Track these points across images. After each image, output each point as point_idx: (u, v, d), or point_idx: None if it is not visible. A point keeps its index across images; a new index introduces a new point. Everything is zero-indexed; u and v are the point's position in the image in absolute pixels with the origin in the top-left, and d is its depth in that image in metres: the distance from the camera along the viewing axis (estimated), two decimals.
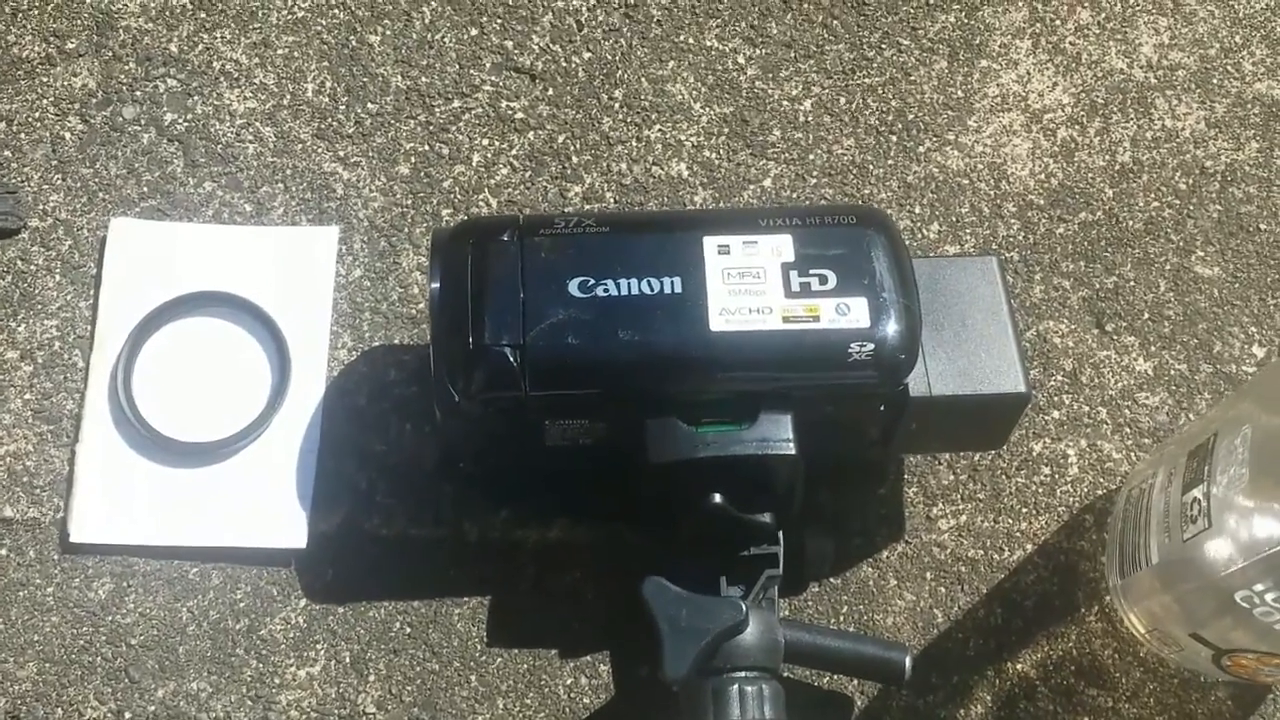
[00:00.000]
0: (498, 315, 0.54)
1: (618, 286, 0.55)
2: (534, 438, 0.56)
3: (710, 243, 0.56)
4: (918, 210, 0.69)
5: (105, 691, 0.59)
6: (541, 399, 0.54)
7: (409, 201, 0.67)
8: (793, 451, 0.54)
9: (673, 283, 0.55)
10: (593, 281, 0.55)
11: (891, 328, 0.54)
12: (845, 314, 0.54)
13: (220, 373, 0.64)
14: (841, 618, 0.62)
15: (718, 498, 0.55)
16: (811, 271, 0.55)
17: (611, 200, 0.68)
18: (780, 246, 0.56)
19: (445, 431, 0.59)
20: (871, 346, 0.54)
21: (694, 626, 0.53)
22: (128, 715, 0.59)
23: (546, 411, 0.55)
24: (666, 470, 0.54)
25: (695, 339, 0.54)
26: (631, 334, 0.54)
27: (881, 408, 0.56)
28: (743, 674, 0.53)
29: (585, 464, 0.58)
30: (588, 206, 0.68)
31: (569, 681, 0.60)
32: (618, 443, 0.56)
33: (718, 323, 0.54)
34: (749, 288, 0.55)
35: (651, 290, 0.55)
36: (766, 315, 0.54)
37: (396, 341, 0.65)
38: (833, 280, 0.55)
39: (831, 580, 0.62)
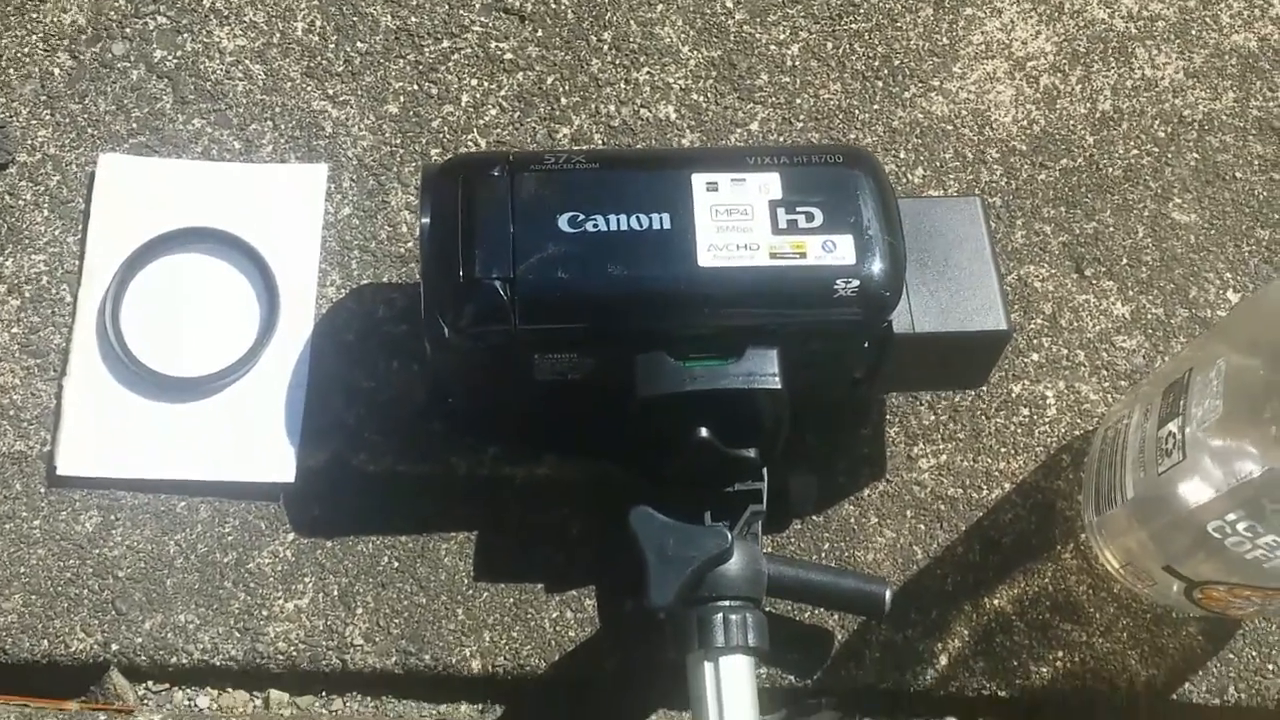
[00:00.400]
0: (488, 249, 0.54)
1: (607, 222, 0.55)
2: (523, 372, 0.57)
3: (699, 180, 0.56)
4: (902, 155, 0.69)
5: (92, 623, 0.60)
6: (531, 333, 0.55)
7: (398, 140, 0.68)
8: (778, 385, 0.55)
9: (661, 219, 0.55)
10: (582, 217, 0.55)
11: (876, 265, 0.55)
12: (831, 251, 0.55)
13: (209, 308, 0.64)
14: (823, 554, 0.63)
15: (704, 432, 0.56)
16: (798, 209, 0.56)
17: (599, 142, 0.68)
18: (768, 184, 0.56)
19: (434, 366, 0.59)
20: (857, 283, 0.55)
21: (680, 555, 0.54)
22: (115, 647, 0.60)
23: (536, 345, 0.55)
24: (654, 404, 0.55)
25: (683, 274, 0.54)
26: (620, 269, 0.54)
27: (866, 344, 0.57)
28: (727, 603, 0.54)
29: (574, 399, 0.58)
30: (576, 148, 0.68)
31: (554, 615, 0.61)
32: (606, 377, 0.56)
33: (706, 258, 0.55)
34: (737, 224, 0.55)
35: (640, 226, 0.55)
36: (754, 251, 0.55)
37: (385, 280, 0.65)
38: (819, 218, 0.56)
39: (814, 518, 0.63)
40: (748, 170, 0.57)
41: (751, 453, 0.57)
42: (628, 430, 0.58)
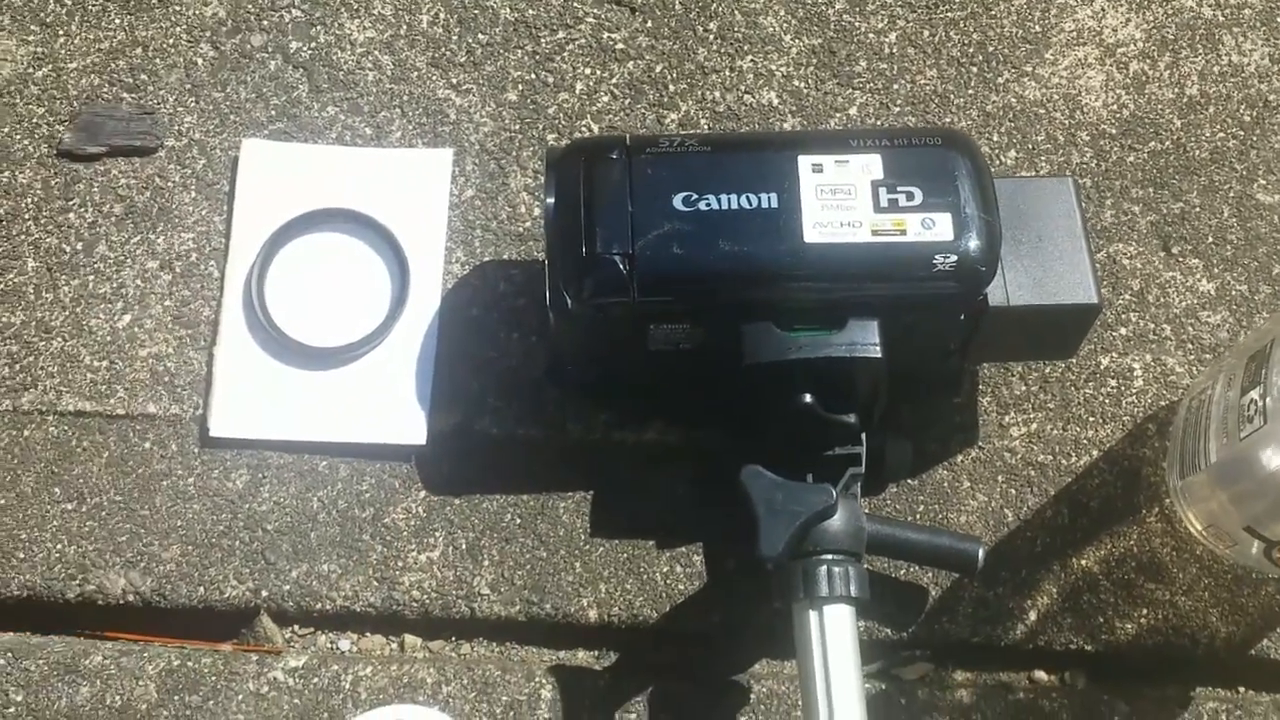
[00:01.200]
0: (609, 227, 0.59)
1: (719, 201, 0.59)
2: (638, 342, 0.61)
3: (804, 161, 0.60)
4: (996, 138, 0.73)
5: (244, 572, 0.65)
6: (648, 304, 0.59)
7: (516, 126, 0.72)
8: (879, 354, 0.59)
9: (769, 198, 0.59)
10: (695, 196, 0.59)
11: (973, 241, 0.58)
12: (930, 228, 0.59)
13: (345, 283, 0.69)
14: (917, 516, 0.66)
15: (807, 398, 0.60)
16: (899, 188, 0.59)
17: (706, 127, 0.72)
18: (870, 165, 0.60)
19: (556, 336, 0.64)
20: (954, 258, 0.58)
21: (787, 509, 0.58)
22: (264, 594, 0.65)
23: (651, 317, 0.60)
24: (760, 371, 0.59)
25: (790, 250, 0.58)
26: (731, 245, 0.58)
27: (962, 317, 0.61)
28: (830, 556, 0.58)
29: (684, 367, 0.62)
30: (683, 133, 0.72)
31: (665, 569, 0.66)
32: (715, 346, 0.60)
33: (811, 235, 0.58)
34: (840, 203, 0.59)
35: (750, 205, 0.59)
36: (857, 228, 0.59)
37: (506, 257, 0.70)
38: (919, 196, 0.59)
39: (909, 481, 0.67)
40: (850, 152, 0.60)
41: (851, 418, 0.61)
42: (734, 397, 0.62)
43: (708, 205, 0.59)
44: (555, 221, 0.60)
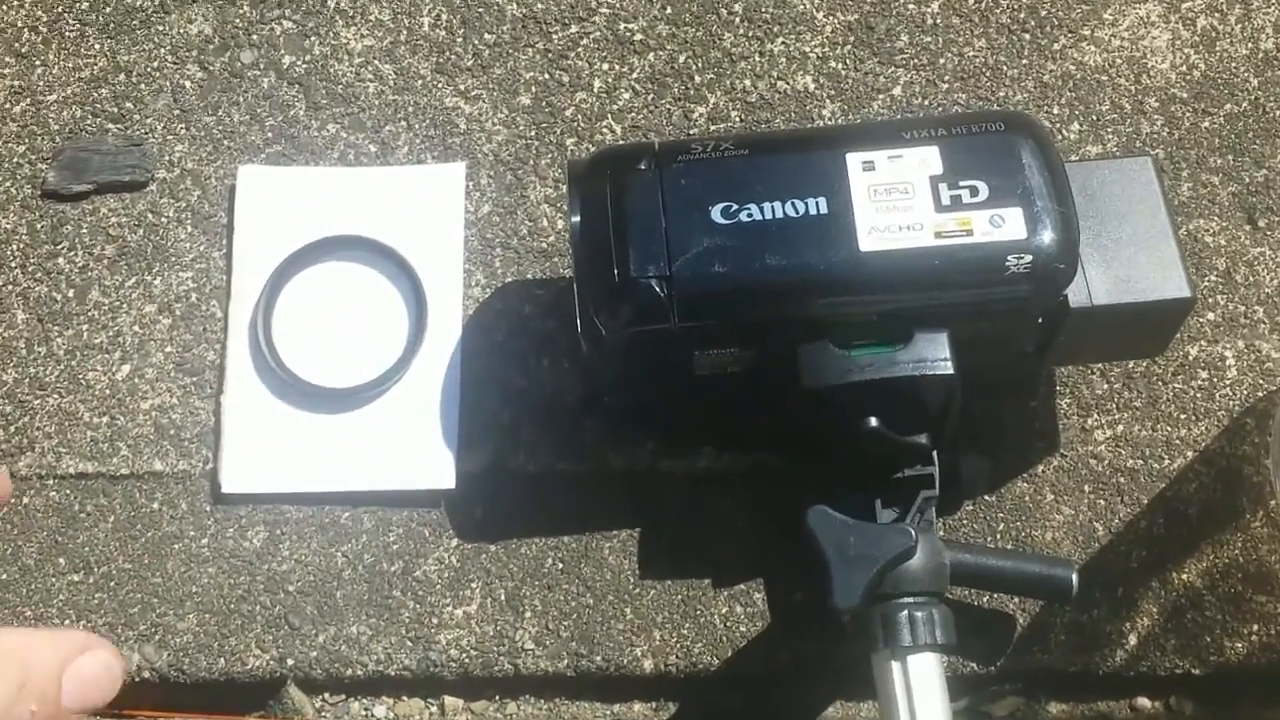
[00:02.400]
0: (642, 246, 0.53)
1: (761, 210, 0.53)
2: (682, 368, 0.55)
3: (854, 159, 0.54)
4: (1056, 111, 0.66)
5: (266, 639, 0.60)
6: (690, 329, 0.53)
7: (532, 133, 0.66)
8: (951, 371, 0.53)
9: (818, 203, 0.53)
10: (736, 207, 0.53)
11: (1049, 237, 0.52)
12: (1000, 226, 0.52)
13: (358, 317, 0.63)
14: (998, 535, 0.61)
15: (873, 421, 0.54)
16: (961, 183, 0.53)
17: (737, 119, 0.66)
18: (927, 159, 0.54)
19: (591, 366, 0.58)
20: (1029, 258, 0.52)
21: (862, 554, 0.52)
22: (290, 661, 0.60)
23: (695, 342, 0.54)
24: (820, 396, 0.53)
25: (845, 260, 0.52)
26: (779, 258, 0.52)
27: (1039, 320, 0.55)
28: (911, 599, 0.53)
29: (735, 393, 0.57)
30: (714, 127, 0.66)
31: (724, 610, 0.60)
32: (768, 369, 0.55)
33: (867, 242, 0.52)
34: (897, 204, 0.53)
35: (796, 212, 0.53)
36: (918, 231, 0.53)
37: (529, 276, 0.64)
38: (984, 191, 0.53)
39: (986, 498, 0.61)
40: (904, 145, 0.54)
41: (922, 439, 0.55)
42: (792, 421, 0.56)
43: (749, 216, 0.53)
44: (582, 243, 0.54)
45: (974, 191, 0.53)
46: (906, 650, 0.52)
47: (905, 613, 0.52)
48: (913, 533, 0.52)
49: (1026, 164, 0.53)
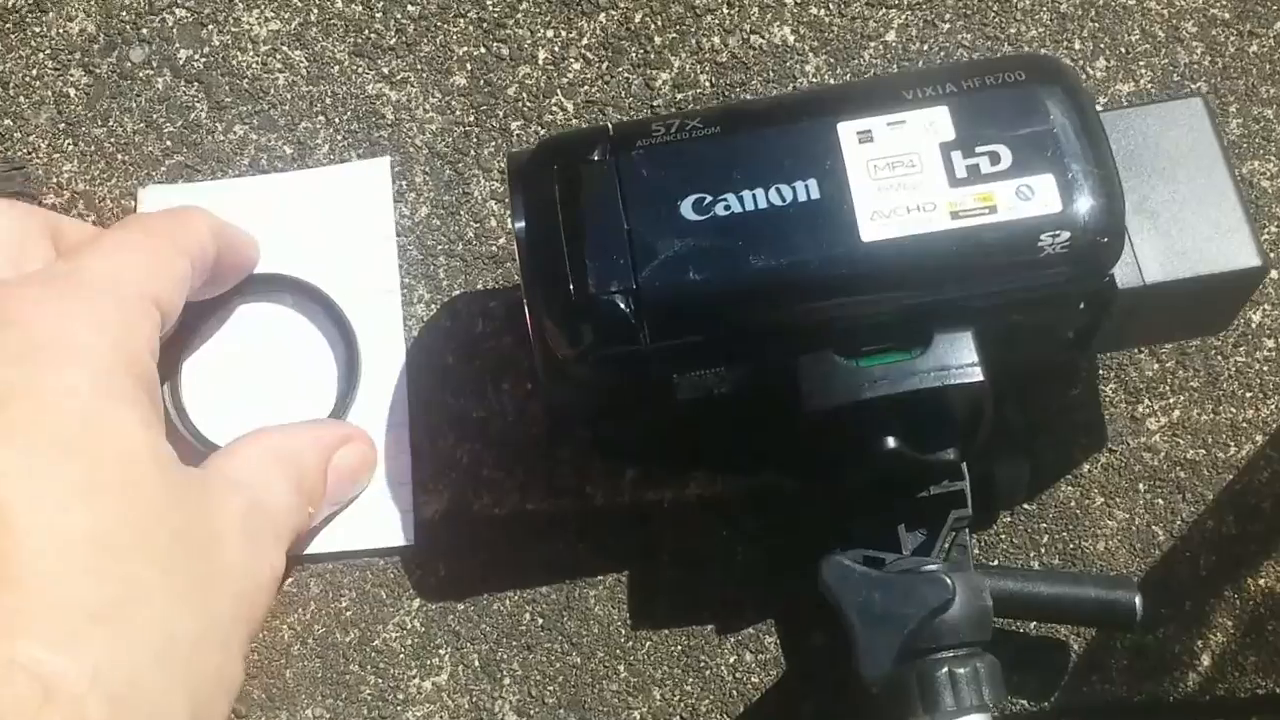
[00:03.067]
0: (602, 255, 0.44)
1: (740, 201, 0.44)
2: (661, 393, 0.46)
3: (847, 129, 0.45)
4: (1078, 45, 0.57)
5: None
6: (666, 349, 0.44)
7: (471, 118, 0.57)
8: (980, 378, 0.44)
9: (807, 187, 0.44)
10: (709, 199, 0.44)
11: (1089, 208, 0.43)
12: (1029, 198, 0.44)
13: (281, 366, 0.54)
14: (1042, 550, 0.52)
15: (891, 441, 0.45)
16: (979, 150, 0.44)
17: (707, 84, 0.57)
18: (935, 122, 0.45)
19: (552, 397, 0.50)
20: (1067, 235, 0.43)
21: (891, 613, 0.43)
22: None
23: (674, 363, 0.45)
24: (828, 417, 0.44)
25: (845, 254, 0.43)
26: (766, 258, 0.44)
27: (1081, 305, 0.46)
28: (950, 653, 0.44)
29: (725, 416, 0.48)
30: (681, 96, 0.57)
31: (731, 659, 0.52)
32: (764, 387, 0.46)
33: (870, 230, 0.43)
34: (903, 180, 0.44)
35: (783, 200, 0.44)
36: (930, 212, 0.44)
37: (480, 286, 0.55)
38: (1007, 158, 0.44)
39: (1025, 506, 0.53)
40: (906, 107, 0.45)
41: (950, 454, 0.47)
42: (795, 444, 0.48)
43: (727, 209, 0.44)
44: (529, 254, 0.45)
45: (995, 159, 0.44)
46: (950, 715, 0.43)
47: (945, 671, 0.43)
48: (949, 582, 0.44)
49: (1055, 119, 0.44)
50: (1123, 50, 0.57)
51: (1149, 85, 0.56)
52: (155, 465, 0.40)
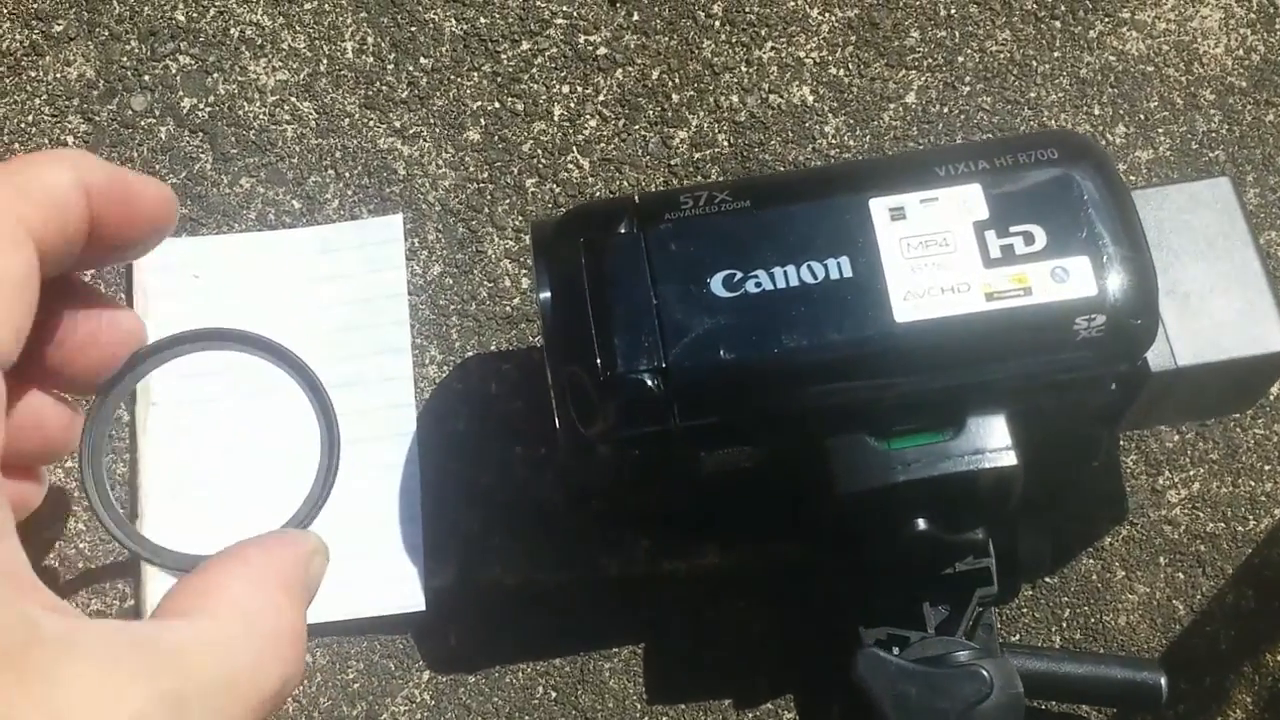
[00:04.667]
0: (630, 332, 0.43)
1: (772, 278, 0.43)
2: (684, 470, 0.46)
3: (879, 205, 0.44)
4: (1097, 111, 0.57)
5: None
6: (695, 429, 0.43)
7: (485, 174, 0.56)
8: (1014, 462, 0.43)
9: (839, 264, 0.43)
10: (740, 275, 0.44)
11: (1123, 291, 0.43)
12: (1064, 280, 0.43)
13: (267, 437, 0.52)
14: (1064, 624, 0.52)
15: (921, 524, 0.45)
16: (1013, 230, 0.44)
17: (725, 143, 0.56)
18: (968, 200, 0.44)
19: (573, 474, 0.49)
20: (1102, 319, 0.43)
21: (926, 707, 0.43)
22: None
23: (701, 443, 0.44)
24: (859, 500, 0.44)
25: (878, 334, 0.43)
26: (797, 338, 0.43)
27: (1112, 387, 0.45)
28: None
29: (749, 491, 0.47)
30: (698, 155, 0.56)
31: None
32: (793, 466, 0.45)
33: (903, 310, 0.43)
34: (937, 260, 0.43)
35: (814, 278, 0.43)
36: (964, 293, 0.43)
37: (493, 348, 0.54)
38: (1041, 238, 0.43)
39: (1048, 580, 0.52)
40: (939, 184, 0.45)
41: (979, 533, 0.46)
42: (819, 520, 0.47)
43: (758, 286, 0.43)
44: (555, 329, 0.44)
45: (1029, 239, 0.44)
46: None
47: None
48: (986, 675, 0.43)
49: (1089, 200, 0.44)
50: (1141, 117, 0.57)
51: (1167, 153, 0.56)
52: None
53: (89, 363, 0.37)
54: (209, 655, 0.30)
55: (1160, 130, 0.56)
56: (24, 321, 0.30)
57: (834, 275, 0.43)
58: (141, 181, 0.35)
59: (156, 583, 0.52)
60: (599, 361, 0.43)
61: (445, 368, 0.54)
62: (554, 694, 0.51)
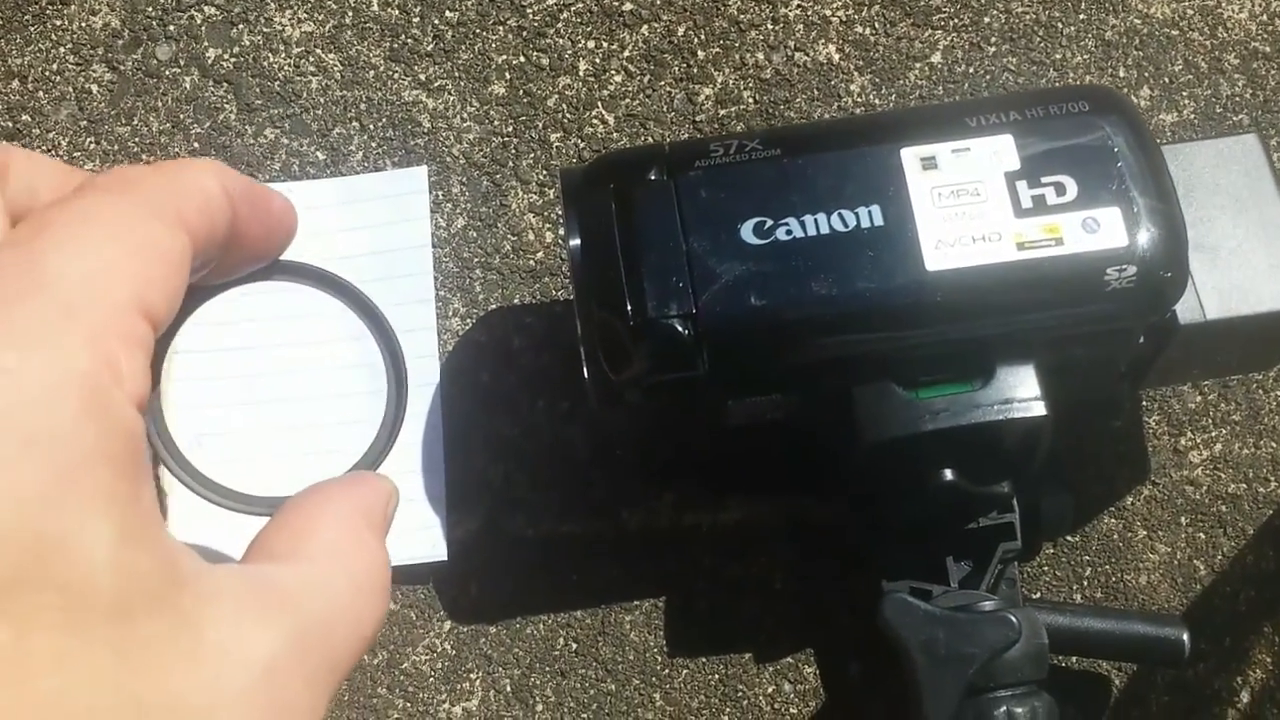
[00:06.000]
0: (660, 278, 0.43)
1: (803, 226, 0.43)
2: (711, 418, 0.46)
3: (910, 155, 0.44)
4: (1122, 73, 0.57)
5: None
6: (724, 376, 0.43)
7: (509, 128, 0.56)
8: (1044, 412, 0.43)
9: (870, 213, 0.43)
10: (771, 222, 0.44)
11: (1154, 242, 0.43)
12: (1094, 231, 0.43)
13: (301, 372, 0.52)
14: (1085, 583, 0.52)
15: (948, 474, 0.45)
16: (1044, 180, 0.44)
17: (750, 101, 0.56)
18: (1000, 150, 0.44)
19: (601, 421, 0.49)
20: (1132, 270, 0.43)
21: (956, 653, 0.43)
22: None
23: (730, 390, 0.44)
24: (886, 449, 0.44)
25: (909, 282, 0.43)
26: (828, 285, 0.43)
27: (1140, 340, 0.45)
28: (1008, 692, 0.43)
29: (774, 442, 0.47)
30: (723, 112, 0.56)
31: (770, 690, 0.51)
32: (820, 415, 0.45)
33: (935, 259, 0.43)
34: (968, 209, 0.43)
35: (845, 226, 0.43)
36: (995, 243, 0.43)
37: (516, 301, 0.54)
38: (1073, 189, 0.43)
39: (1069, 538, 0.52)
40: (970, 134, 0.45)
41: (1005, 487, 0.46)
42: (845, 473, 0.47)
43: (788, 233, 0.43)
44: (585, 275, 0.44)
45: (1060, 189, 0.44)
46: None
47: (1004, 710, 0.43)
48: (1015, 621, 0.43)
49: (1120, 152, 0.44)
50: (1166, 80, 0.57)
51: (1191, 116, 0.56)
52: (118, 612, 0.26)
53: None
54: (315, 598, 0.31)
55: (1184, 94, 0.56)
56: (176, 299, 0.30)
57: (865, 224, 0.43)
58: (272, 192, 0.36)
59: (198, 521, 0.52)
60: (629, 307, 0.43)
61: (468, 320, 0.54)
62: (574, 645, 0.51)
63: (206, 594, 0.28)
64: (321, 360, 0.52)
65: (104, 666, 0.26)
